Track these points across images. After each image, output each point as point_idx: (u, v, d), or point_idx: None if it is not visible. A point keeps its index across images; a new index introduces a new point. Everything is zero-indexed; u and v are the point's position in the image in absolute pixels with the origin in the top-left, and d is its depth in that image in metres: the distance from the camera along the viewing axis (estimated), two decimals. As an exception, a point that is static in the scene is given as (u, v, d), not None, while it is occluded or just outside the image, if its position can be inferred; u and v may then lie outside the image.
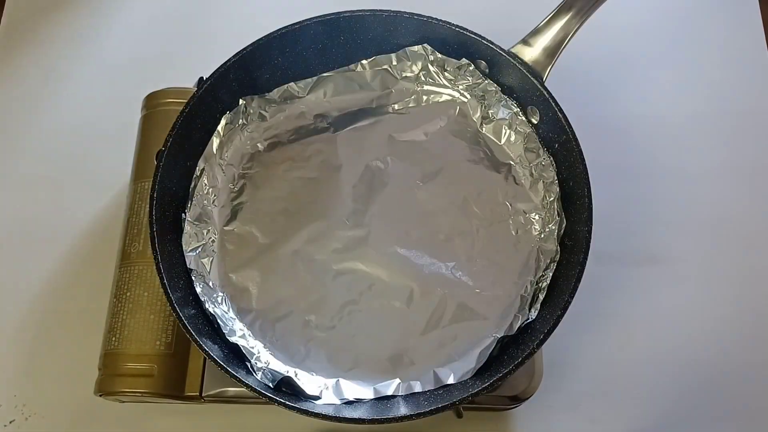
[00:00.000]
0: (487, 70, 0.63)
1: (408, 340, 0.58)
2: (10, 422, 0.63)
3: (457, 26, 0.61)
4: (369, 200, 0.63)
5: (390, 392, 0.56)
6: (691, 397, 0.64)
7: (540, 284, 0.58)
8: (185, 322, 0.53)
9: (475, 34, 0.61)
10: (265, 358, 0.57)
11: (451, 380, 0.56)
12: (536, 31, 0.61)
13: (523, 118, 0.63)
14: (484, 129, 0.65)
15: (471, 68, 0.64)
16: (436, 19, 0.62)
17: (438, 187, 0.63)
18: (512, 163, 0.63)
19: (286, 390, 0.55)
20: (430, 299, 0.59)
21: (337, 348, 0.58)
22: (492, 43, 0.61)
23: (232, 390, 0.58)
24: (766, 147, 0.72)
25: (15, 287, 0.68)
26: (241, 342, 0.57)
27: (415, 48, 0.64)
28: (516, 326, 0.56)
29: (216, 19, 0.79)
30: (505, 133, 0.64)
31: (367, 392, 0.56)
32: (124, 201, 0.65)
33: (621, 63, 0.76)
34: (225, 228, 0.62)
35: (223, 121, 0.63)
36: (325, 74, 0.66)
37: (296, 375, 0.56)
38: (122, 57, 0.77)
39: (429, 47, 0.64)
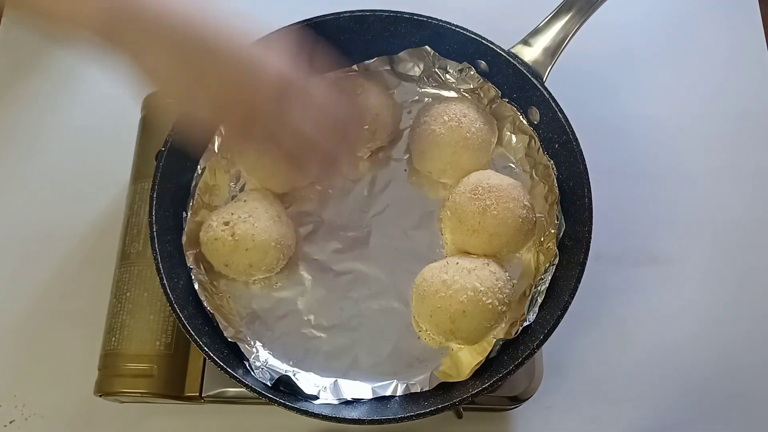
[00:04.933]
0: (487, 70, 0.63)
1: (407, 340, 0.58)
2: (10, 422, 0.63)
3: (457, 26, 0.61)
4: (370, 201, 0.63)
5: (389, 393, 0.56)
6: (690, 397, 0.63)
7: (539, 287, 0.57)
8: (185, 321, 0.53)
9: (475, 34, 0.61)
10: (264, 357, 0.57)
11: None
12: (536, 31, 0.61)
13: (524, 121, 0.62)
14: (485, 131, 0.65)
15: (472, 72, 0.63)
16: (436, 19, 0.62)
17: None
18: (513, 165, 0.63)
19: (285, 390, 0.55)
20: (430, 300, 0.59)
21: (336, 348, 0.58)
22: (492, 43, 0.61)
23: (232, 390, 0.58)
24: (766, 147, 0.72)
25: (15, 287, 0.68)
26: (240, 341, 0.57)
27: (418, 49, 0.64)
28: (514, 331, 0.56)
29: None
30: (506, 135, 0.64)
31: (365, 392, 0.56)
32: (124, 201, 0.65)
33: (621, 63, 0.75)
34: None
35: (223, 120, 0.63)
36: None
37: (294, 375, 0.56)
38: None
39: (430, 49, 0.64)
